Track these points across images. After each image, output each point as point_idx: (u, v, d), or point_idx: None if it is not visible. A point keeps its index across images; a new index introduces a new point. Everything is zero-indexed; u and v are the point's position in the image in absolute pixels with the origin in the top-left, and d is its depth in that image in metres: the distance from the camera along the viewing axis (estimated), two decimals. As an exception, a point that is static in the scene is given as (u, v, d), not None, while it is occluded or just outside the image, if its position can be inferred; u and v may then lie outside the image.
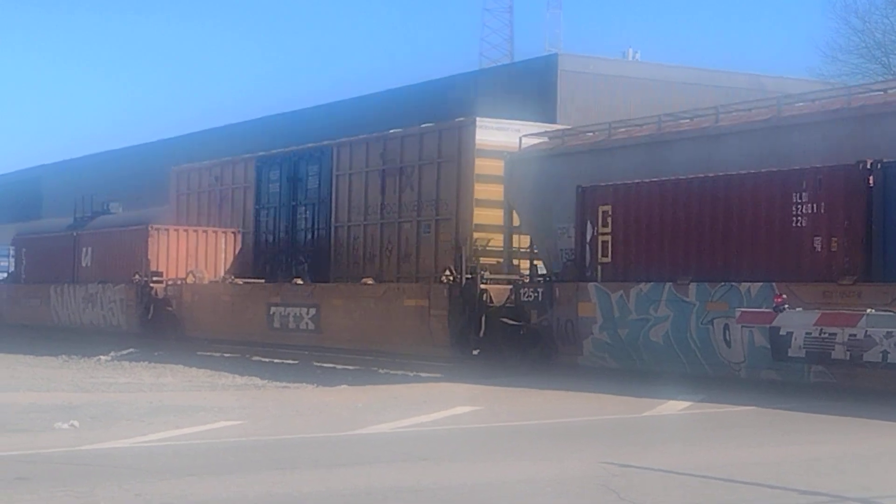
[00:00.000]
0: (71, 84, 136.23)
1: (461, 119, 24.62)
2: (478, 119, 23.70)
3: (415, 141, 25.20)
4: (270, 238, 29.58)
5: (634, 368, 18.66)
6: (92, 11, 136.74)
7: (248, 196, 30.28)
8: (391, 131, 26.38)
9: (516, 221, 22.87)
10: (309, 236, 28.17)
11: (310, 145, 29.05)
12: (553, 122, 35.56)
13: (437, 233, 24.05)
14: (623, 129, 21.40)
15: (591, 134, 22.18)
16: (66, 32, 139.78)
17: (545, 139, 22.91)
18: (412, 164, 25.02)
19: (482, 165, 23.24)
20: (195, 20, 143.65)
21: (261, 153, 30.92)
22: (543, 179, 21.59)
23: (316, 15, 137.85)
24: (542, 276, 21.07)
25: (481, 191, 23.21)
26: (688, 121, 20.52)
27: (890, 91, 18.05)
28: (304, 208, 28.37)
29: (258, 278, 28.72)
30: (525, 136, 22.86)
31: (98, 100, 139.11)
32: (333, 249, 27.00)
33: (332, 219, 27.16)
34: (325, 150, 27.96)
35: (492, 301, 21.26)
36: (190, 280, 29.38)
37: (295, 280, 26.68)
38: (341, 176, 27.05)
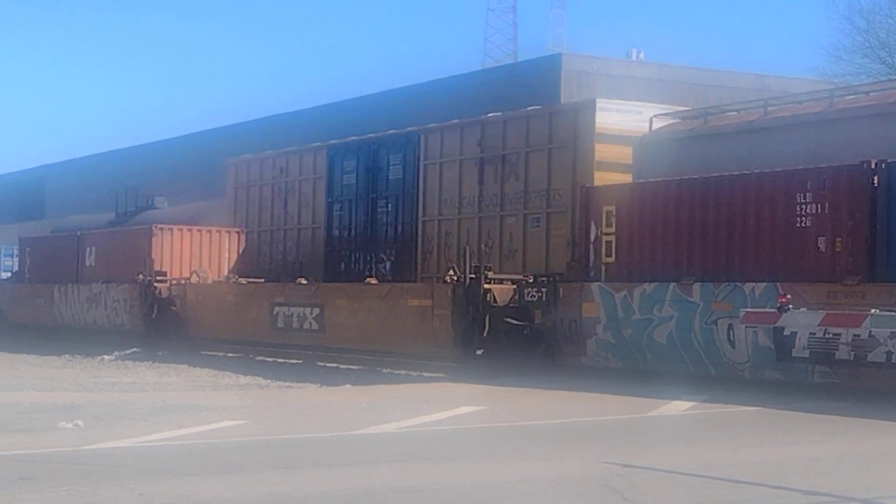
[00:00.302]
0: (73, 84, 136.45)
1: (577, 101, 22.63)
2: (598, 100, 21.91)
3: (520, 125, 23.22)
4: (346, 233, 27.57)
5: (638, 368, 18.67)
6: (94, 11, 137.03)
7: (319, 188, 28.11)
8: (490, 115, 24.39)
9: None
10: (391, 231, 26.19)
11: (392, 132, 27.01)
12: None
13: (548, 227, 22.23)
14: (778, 108, 19.63)
15: (735, 113, 20.47)
16: (67, 33, 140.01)
17: (677, 120, 21.24)
18: (517, 150, 23.05)
19: (603, 151, 21.33)
20: (198, 19, 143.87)
21: (334, 141, 28.88)
22: (683, 164, 19.34)
23: (316, 14, 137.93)
24: (546, 275, 21.07)
25: (601, 179, 20.94)
26: (863, 95, 18.64)
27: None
28: (384, 201, 26.23)
29: (333, 278, 27.30)
30: (656, 116, 21.14)
31: (101, 100, 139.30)
32: (420, 246, 25.06)
33: (419, 212, 25.13)
34: (410, 136, 25.85)
35: (495, 301, 21.27)
36: (194, 280, 29.43)
37: (298, 280, 26.68)
38: (430, 165, 25.03)
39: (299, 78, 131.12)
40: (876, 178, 15.87)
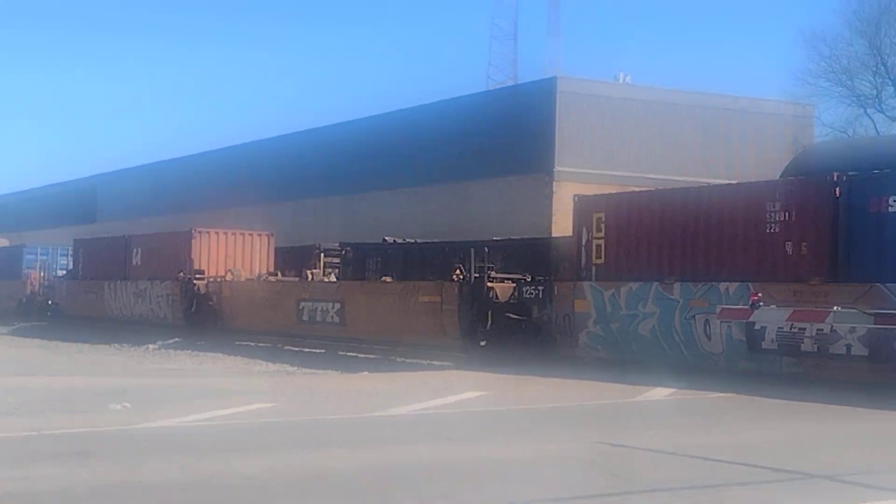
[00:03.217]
0: (125, 101, 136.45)
1: None
2: None
3: None
4: None
5: (624, 359, 18.66)
6: (142, 37, 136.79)
7: None
8: None
9: None
10: None
11: None
12: (552, 140, 35.47)
13: None
14: None
15: None
16: (117, 56, 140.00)
17: None
18: None
19: None
20: (232, 46, 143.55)
21: None
22: None
23: (328, 36, 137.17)
24: (542, 275, 21.07)
25: None
26: None
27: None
28: None
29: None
30: None
31: (150, 115, 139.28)
32: None
33: None
34: None
35: (497, 297, 21.27)
36: (229, 278, 29.50)
37: (322, 278, 26.72)
38: None
39: (310, 100, 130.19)
40: (838, 189, 15.85)
